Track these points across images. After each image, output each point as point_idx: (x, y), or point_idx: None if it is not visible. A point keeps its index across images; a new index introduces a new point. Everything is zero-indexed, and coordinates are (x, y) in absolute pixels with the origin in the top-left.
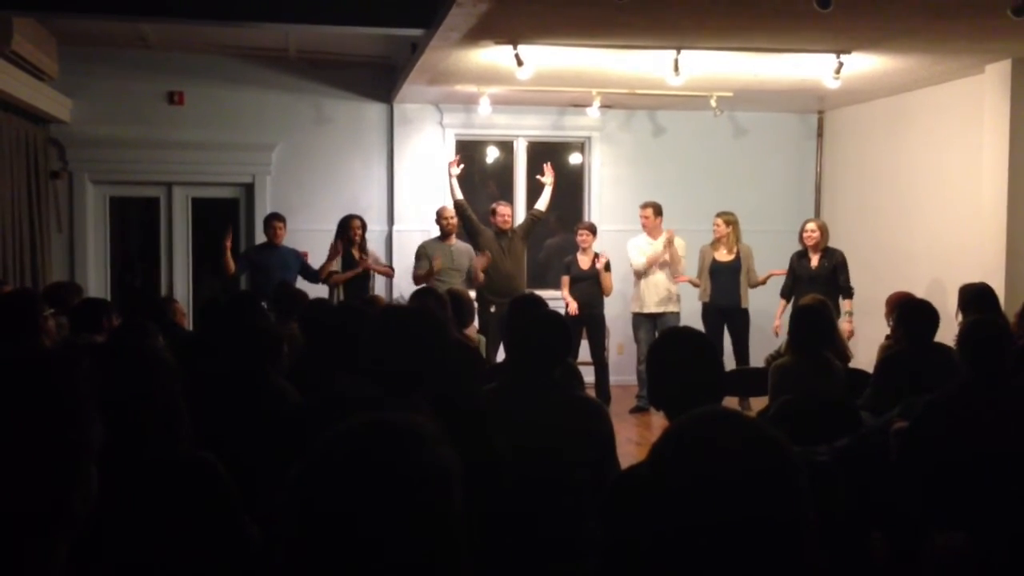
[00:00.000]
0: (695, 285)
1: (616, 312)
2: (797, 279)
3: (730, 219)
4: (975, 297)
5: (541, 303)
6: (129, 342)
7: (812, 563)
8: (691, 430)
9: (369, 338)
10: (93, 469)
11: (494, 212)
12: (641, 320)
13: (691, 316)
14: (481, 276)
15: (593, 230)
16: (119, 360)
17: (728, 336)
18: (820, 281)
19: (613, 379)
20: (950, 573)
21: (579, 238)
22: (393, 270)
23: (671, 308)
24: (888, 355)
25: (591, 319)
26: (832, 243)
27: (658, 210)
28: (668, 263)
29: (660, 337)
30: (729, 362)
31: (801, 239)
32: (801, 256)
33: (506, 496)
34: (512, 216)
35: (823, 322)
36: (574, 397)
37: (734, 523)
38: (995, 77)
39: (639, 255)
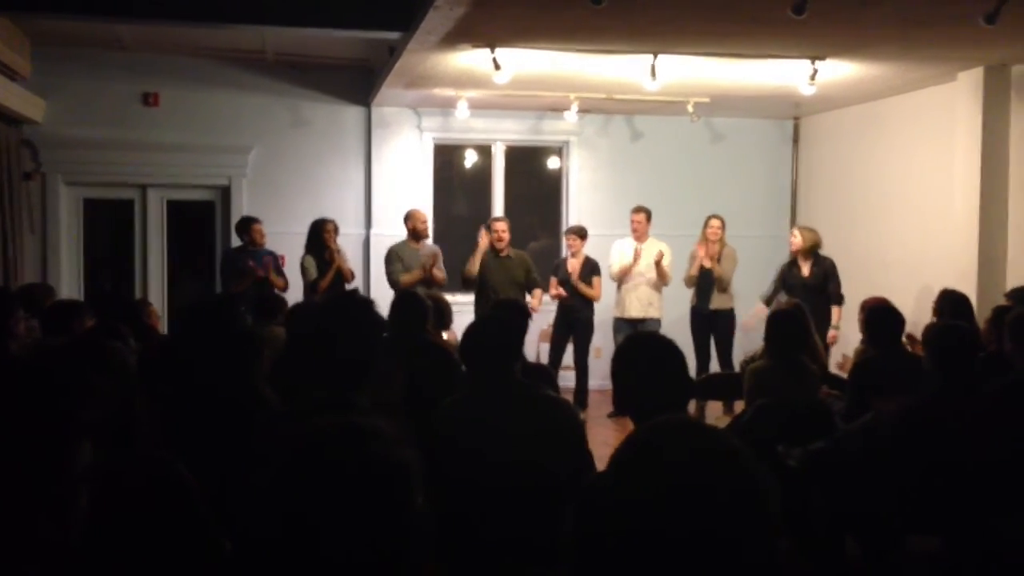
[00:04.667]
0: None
1: (596, 317)
2: (789, 288)
3: (723, 221)
4: (952, 304)
5: (515, 308)
6: (92, 343)
7: (772, 573)
8: (651, 439)
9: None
10: (78, 492)
11: (489, 228)
12: (622, 325)
13: (677, 322)
14: (437, 274)
15: (581, 234)
16: (79, 360)
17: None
18: (812, 289)
19: (592, 383)
20: None
21: (568, 242)
22: (353, 274)
23: (652, 314)
24: (859, 361)
25: (578, 323)
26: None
27: (649, 215)
28: (650, 276)
29: (623, 343)
30: (715, 365)
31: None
32: (792, 265)
33: (476, 497)
34: (508, 232)
35: (798, 327)
36: (538, 396)
37: (691, 533)
38: (967, 85)
39: (619, 261)
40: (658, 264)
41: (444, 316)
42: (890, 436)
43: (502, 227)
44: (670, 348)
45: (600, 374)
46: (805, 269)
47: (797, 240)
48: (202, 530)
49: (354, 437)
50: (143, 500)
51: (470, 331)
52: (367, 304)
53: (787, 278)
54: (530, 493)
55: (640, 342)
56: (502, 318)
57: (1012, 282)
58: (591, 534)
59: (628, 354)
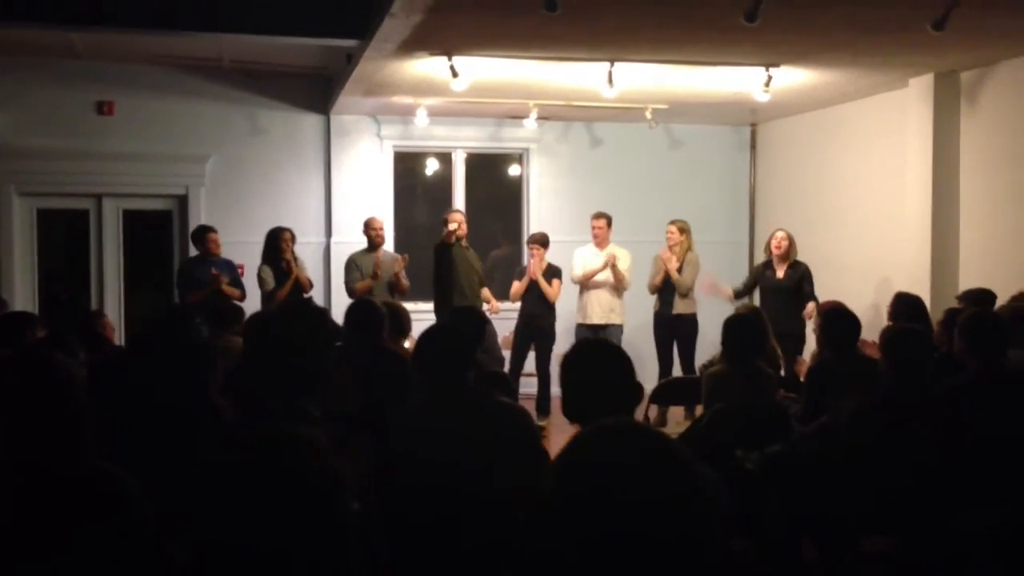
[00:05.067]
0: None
1: (558, 325)
2: (762, 290)
3: (683, 226)
4: (907, 307)
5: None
6: (35, 355)
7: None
8: (590, 442)
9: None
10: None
11: (447, 221)
12: (584, 332)
13: (642, 327)
14: (405, 283)
15: (543, 243)
16: (22, 373)
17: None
18: (785, 292)
19: (555, 390)
20: None
21: (530, 251)
22: (312, 283)
23: (614, 320)
24: (814, 364)
25: (539, 331)
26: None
27: (610, 221)
28: (611, 281)
29: (570, 350)
30: (679, 370)
31: (768, 249)
32: (766, 267)
33: (430, 505)
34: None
35: (755, 331)
36: (491, 402)
37: (630, 536)
38: (918, 90)
39: (581, 267)
40: (613, 267)
41: (402, 324)
42: (844, 438)
43: (460, 217)
44: (615, 354)
45: None
46: (780, 272)
47: (785, 243)
48: (149, 543)
49: (283, 448)
50: (88, 512)
51: (422, 339)
52: (319, 313)
53: (760, 279)
54: (484, 500)
55: (585, 349)
56: (455, 326)
57: (964, 284)
58: (539, 537)
59: (573, 360)
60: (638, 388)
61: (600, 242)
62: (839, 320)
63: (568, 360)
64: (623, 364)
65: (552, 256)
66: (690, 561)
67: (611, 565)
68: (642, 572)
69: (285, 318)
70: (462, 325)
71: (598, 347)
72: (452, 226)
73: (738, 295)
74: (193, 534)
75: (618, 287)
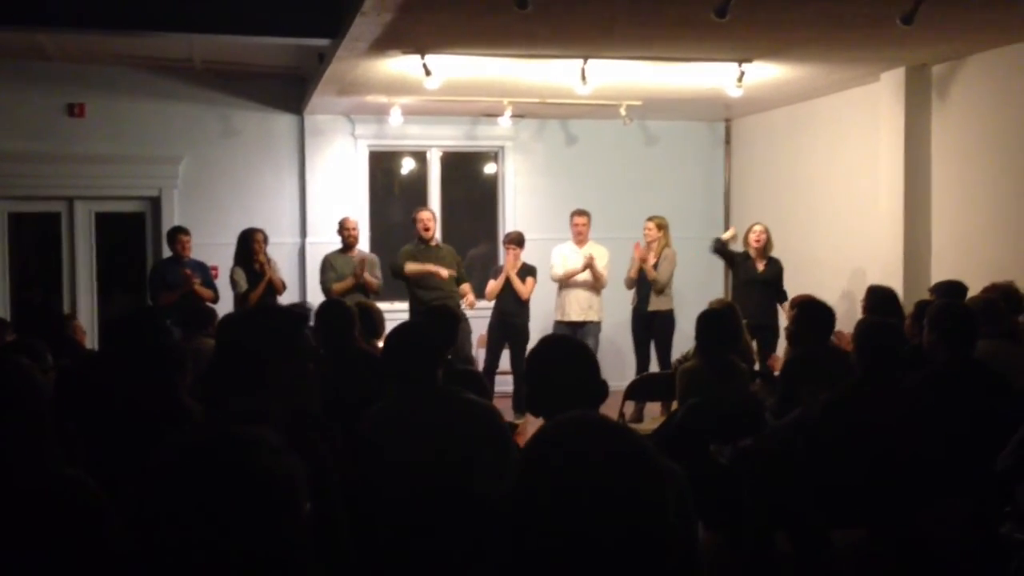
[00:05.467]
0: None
1: (536, 323)
2: (740, 282)
3: (661, 223)
4: (880, 299)
5: (443, 314)
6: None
7: (675, 570)
8: (550, 437)
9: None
10: None
11: (415, 220)
12: (563, 328)
13: (620, 324)
14: (372, 281)
15: (519, 242)
16: None
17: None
18: (763, 284)
19: None
20: (850, 570)
21: (506, 251)
22: (285, 285)
23: (592, 317)
24: (789, 357)
25: (513, 329)
26: (741, 247)
27: (590, 218)
28: (590, 280)
29: (535, 346)
30: (655, 367)
31: (746, 242)
32: (745, 259)
33: (399, 504)
34: (434, 221)
35: (728, 326)
36: (460, 400)
37: (592, 530)
38: (890, 85)
39: (560, 265)
40: (592, 267)
41: (375, 324)
42: (813, 430)
43: (427, 216)
44: (578, 349)
45: None
46: (760, 265)
47: (764, 237)
48: (110, 549)
49: (234, 448)
50: (50, 522)
51: (391, 337)
52: (285, 313)
53: (743, 270)
54: (454, 498)
55: (548, 345)
56: (424, 324)
57: (937, 277)
58: (506, 532)
59: (537, 356)
60: (603, 385)
61: (581, 240)
62: (814, 312)
63: (532, 356)
64: (586, 361)
65: (528, 254)
66: (649, 553)
67: (573, 558)
68: (603, 564)
69: (246, 319)
70: (432, 323)
71: (561, 343)
72: (419, 225)
73: (718, 248)
74: (144, 534)
75: (596, 286)
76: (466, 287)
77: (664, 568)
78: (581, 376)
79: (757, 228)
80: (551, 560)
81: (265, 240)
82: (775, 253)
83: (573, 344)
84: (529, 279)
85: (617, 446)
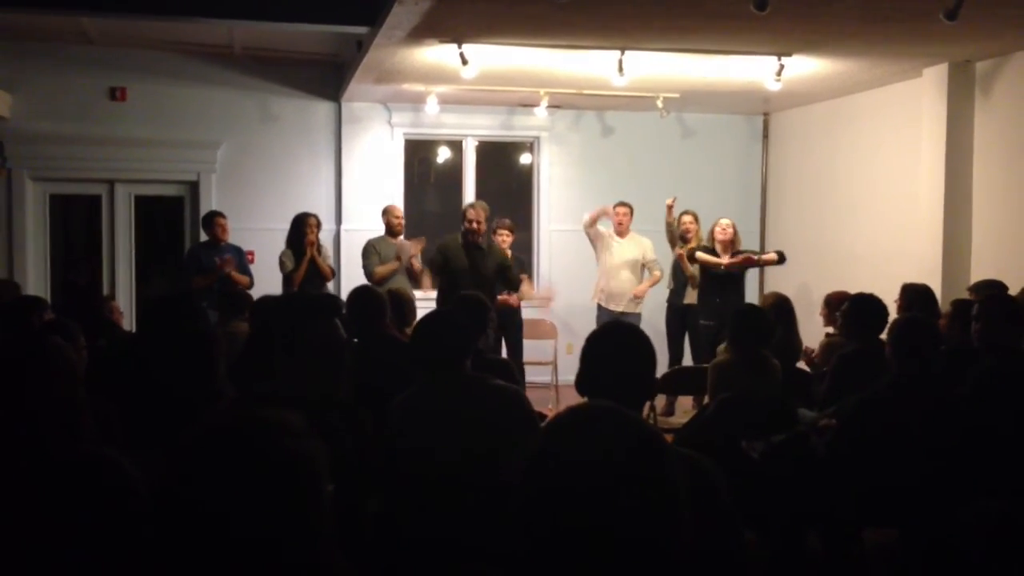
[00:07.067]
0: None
1: (565, 313)
2: (708, 276)
3: (696, 217)
4: (917, 297)
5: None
6: (30, 339)
7: (684, 563)
8: (565, 425)
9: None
10: None
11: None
12: (604, 314)
13: (652, 315)
14: (417, 264)
15: (512, 229)
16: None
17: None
18: (730, 279)
19: (561, 378)
20: (880, 570)
21: (497, 238)
22: (333, 272)
23: (632, 308)
24: (842, 354)
25: (509, 323)
26: (776, 243)
27: (632, 210)
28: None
29: (599, 328)
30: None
31: (712, 236)
32: (711, 254)
33: (428, 491)
34: (483, 221)
35: (762, 321)
36: (488, 387)
37: (598, 520)
38: (932, 80)
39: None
40: (639, 295)
41: (406, 311)
42: (846, 427)
43: (474, 215)
44: (638, 339)
45: (572, 370)
46: (725, 259)
47: (731, 231)
48: (146, 531)
49: (257, 430)
50: (84, 499)
51: (420, 325)
52: (316, 300)
53: (711, 267)
54: (483, 485)
55: (611, 330)
56: (454, 314)
57: (976, 276)
58: (518, 522)
59: (597, 339)
60: (655, 382)
61: (622, 231)
62: (868, 307)
63: (592, 337)
64: (649, 356)
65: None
66: (654, 544)
67: (576, 547)
68: (605, 556)
69: (277, 304)
70: (462, 313)
71: (632, 331)
72: (471, 224)
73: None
74: (167, 515)
75: (651, 282)
76: (526, 287)
77: (670, 560)
78: (639, 368)
79: (724, 222)
80: (556, 549)
81: (318, 225)
82: (781, 244)
83: (641, 336)
84: (524, 277)
85: (626, 437)
